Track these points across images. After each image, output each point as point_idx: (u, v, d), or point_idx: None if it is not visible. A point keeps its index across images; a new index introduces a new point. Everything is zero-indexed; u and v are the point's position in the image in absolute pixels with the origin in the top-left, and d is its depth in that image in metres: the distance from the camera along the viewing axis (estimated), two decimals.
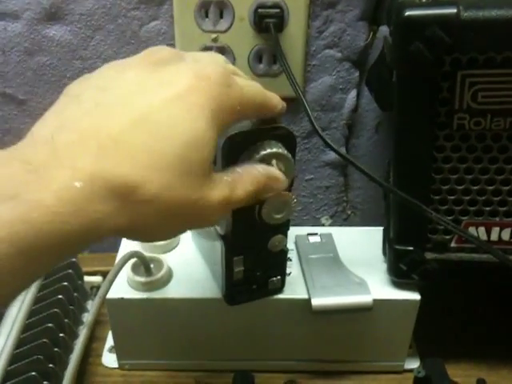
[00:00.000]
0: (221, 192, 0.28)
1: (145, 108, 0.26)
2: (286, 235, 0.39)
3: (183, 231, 0.32)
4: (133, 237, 0.30)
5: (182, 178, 0.26)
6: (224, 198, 0.28)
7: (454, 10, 0.33)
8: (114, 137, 0.25)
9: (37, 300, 0.45)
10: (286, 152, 0.33)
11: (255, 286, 0.41)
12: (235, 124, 0.32)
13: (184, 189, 0.26)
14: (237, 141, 0.32)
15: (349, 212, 0.59)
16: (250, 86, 0.31)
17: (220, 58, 0.32)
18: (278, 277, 0.42)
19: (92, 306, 0.43)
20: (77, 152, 0.24)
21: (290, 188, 0.35)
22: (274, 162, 0.32)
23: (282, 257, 0.41)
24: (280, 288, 0.43)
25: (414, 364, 0.47)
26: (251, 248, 0.39)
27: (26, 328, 0.42)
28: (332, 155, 0.55)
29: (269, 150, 0.32)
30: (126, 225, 0.25)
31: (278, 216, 0.37)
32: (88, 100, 0.27)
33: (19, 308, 0.44)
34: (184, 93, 0.27)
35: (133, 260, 0.44)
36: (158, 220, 0.26)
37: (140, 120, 0.26)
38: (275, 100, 0.32)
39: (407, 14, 0.34)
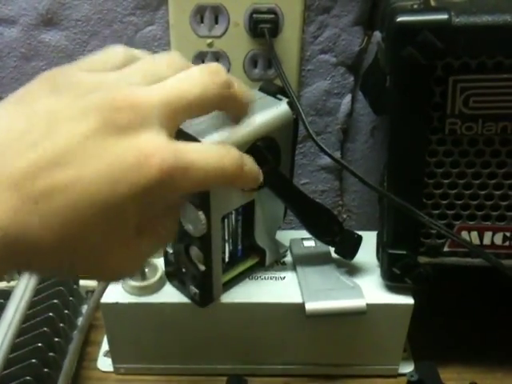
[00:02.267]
0: None
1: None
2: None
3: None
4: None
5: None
6: None
7: (446, 16, 0.33)
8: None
9: (32, 304, 0.45)
10: None
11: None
12: None
13: None
14: None
15: (344, 216, 0.59)
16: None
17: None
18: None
19: (86, 310, 0.43)
20: None
21: None
22: None
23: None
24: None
25: (408, 368, 0.47)
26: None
27: (21, 332, 0.42)
28: (327, 159, 0.55)
29: None
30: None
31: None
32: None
33: (14, 312, 0.44)
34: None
35: None
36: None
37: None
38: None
39: (399, 19, 0.34)
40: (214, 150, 0.28)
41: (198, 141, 0.36)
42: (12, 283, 0.53)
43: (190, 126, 0.37)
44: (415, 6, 0.35)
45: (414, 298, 0.43)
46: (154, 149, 0.24)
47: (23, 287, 0.46)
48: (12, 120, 0.24)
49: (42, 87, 0.26)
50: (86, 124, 0.24)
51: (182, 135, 0.36)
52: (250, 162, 0.31)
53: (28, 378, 0.39)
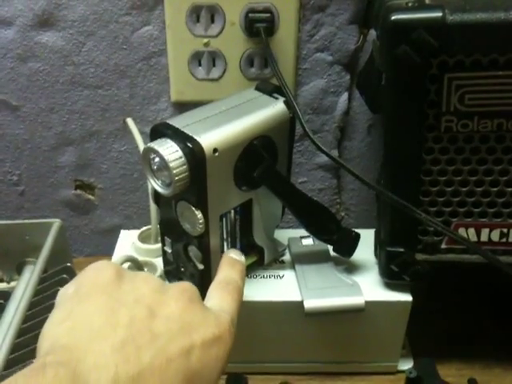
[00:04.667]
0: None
1: None
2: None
3: None
4: None
5: None
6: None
7: (440, 14, 0.33)
8: None
9: (32, 305, 0.45)
10: None
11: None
12: None
13: None
14: None
15: (342, 214, 0.59)
16: None
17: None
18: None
19: None
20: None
21: None
22: None
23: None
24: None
25: (407, 365, 0.47)
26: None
27: (21, 333, 0.42)
28: (325, 158, 0.55)
29: None
30: None
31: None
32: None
33: (14, 313, 0.44)
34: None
35: (127, 264, 0.44)
36: None
37: None
38: None
39: (394, 17, 0.34)
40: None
41: (195, 139, 0.36)
42: (12, 284, 0.53)
43: (186, 126, 0.37)
44: (409, 4, 0.35)
45: (413, 295, 0.43)
46: None
47: (23, 288, 0.47)
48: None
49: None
50: None
51: (179, 135, 0.37)
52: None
53: None
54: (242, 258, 0.38)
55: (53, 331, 0.27)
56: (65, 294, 0.30)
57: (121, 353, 0.25)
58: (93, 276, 0.30)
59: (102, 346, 0.25)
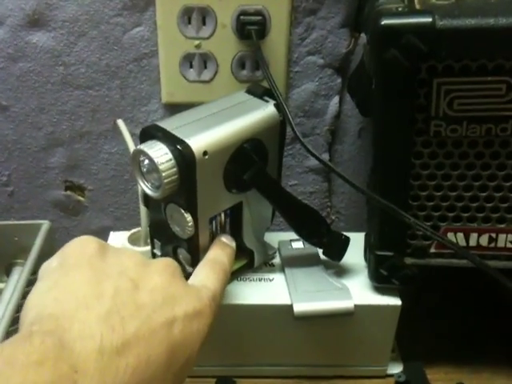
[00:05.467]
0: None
1: None
2: None
3: None
4: None
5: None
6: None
7: (430, 19, 0.33)
8: None
9: (20, 307, 0.45)
10: None
11: None
12: None
13: None
14: None
15: (333, 217, 0.59)
16: None
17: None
18: None
19: None
20: None
21: None
22: None
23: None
24: None
25: (397, 368, 0.47)
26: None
27: (9, 335, 0.42)
28: (315, 161, 0.55)
29: None
30: None
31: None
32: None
33: (2, 315, 0.43)
34: None
35: None
36: None
37: None
38: None
39: (384, 22, 0.34)
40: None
41: (184, 142, 0.36)
42: (0, 285, 0.53)
43: (176, 129, 0.37)
44: (399, 9, 0.35)
45: (402, 299, 0.43)
46: None
47: (11, 289, 0.47)
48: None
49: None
50: None
51: (169, 137, 0.37)
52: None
53: None
54: (233, 243, 0.40)
55: (38, 301, 0.27)
56: (48, 267, 0.30)
57: (106, 323, 0.25)
58: (77, 249, 0.30)
59: (87, 315, 0.26)
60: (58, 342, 0.24)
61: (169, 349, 0.27)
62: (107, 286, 0.28)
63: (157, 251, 0.43)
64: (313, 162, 0.56)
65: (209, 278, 0.35)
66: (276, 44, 0.49)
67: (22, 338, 0.24)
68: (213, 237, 0.42)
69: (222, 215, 0.42)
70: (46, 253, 0.50)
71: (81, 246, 0.31)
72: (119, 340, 0.25)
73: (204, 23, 0.48)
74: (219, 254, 0.38)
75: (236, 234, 0.44)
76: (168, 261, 0.32)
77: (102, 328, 0.25)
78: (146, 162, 0.37)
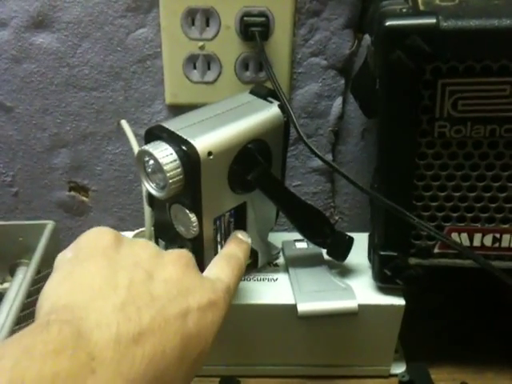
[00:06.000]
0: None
1: None
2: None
3: None
4: None
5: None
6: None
7: (434, 20, 0.34)
8: None
9: (25, 306, 0.45)
10: None
11: None
12: None
13: None
14: None
15: (336, 218, 0.60)
16: None
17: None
18: None
19: None
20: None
21: None
22: None
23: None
24: None
25: (400, 368, 0.47)
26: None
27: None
28: (319, 161, 0.55)
29: None
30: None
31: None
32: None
33: (7, 314, 0.44)
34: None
35: None
36: None
37: None
38: None
39: (388, 23, 0.34)
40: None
41: (189, 142, 0.36)
42: (5, 285, 0.53)
43: (181, 129, 0.38)
44: (404, 11, 0.35)
45: (406, 299, 0.43)
46: None
47: (16, 289, 0.47)
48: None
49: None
50: None
51: (173, 138, 0.37)
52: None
53: None
54: (249, 240, 0.40)
55: (53, 291, 0.27)
56: (63, 258, 0.30)
57: (122, 312, 0.25)
58: (92, 240, 0.30)
59: (103, 305, 0.26)
60: (76, 330, 0.24)
61: (183, 340, 0.27)
62: (122, 277, 0.28)
63: None
64: (316, 162, 0.56)
65: (223, 271, 0.34)
66: (279, 45, 0.49)
67: (39, 327, 0.24)
68: (216, 238, 0.42)
69: (227, 215, 0.42)
70: (51, 253, 0.50)
71: (95, 237, 0.31)
72: (136, 329, 0.25)
73: (208, 24, 0.48)
74: (235, 249, 0.38)
75: None
76: (182, 252, 0.32)
77: (119, 317, 0.25)
78: (151, 162, 0.37)
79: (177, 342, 0.27)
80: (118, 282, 0.27)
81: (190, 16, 0.48)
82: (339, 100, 0.53)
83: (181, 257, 0.31)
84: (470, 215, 0.40)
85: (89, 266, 0.28)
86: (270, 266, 0.47)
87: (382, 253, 0.42)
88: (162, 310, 0.27)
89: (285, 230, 0.56)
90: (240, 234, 0.40)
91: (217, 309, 0.30)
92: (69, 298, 0.26)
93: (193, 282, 0.30)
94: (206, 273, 0.34)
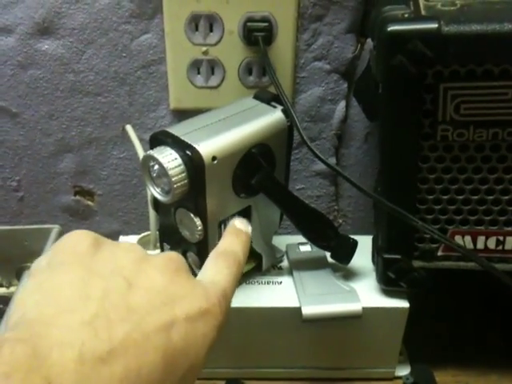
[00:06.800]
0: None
1: None
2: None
3: None
4: None
5: None
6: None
7: (436, 25, 0.34)
8: None
9: None
10: None
11: None
12: None
13: None
14: None
15: (340, 221, 0.60)
16: None
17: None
18: None
19: None
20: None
21: None
22: None
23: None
24: None
25: (404, 371, 0.47)
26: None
27: None
28: (322, 165, 0.56)
29: None
30: None
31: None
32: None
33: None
34: None
35: None
36: None
37: None
38: None
39: (390, 28, 0.34)
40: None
41: (194, 147, 0.36)
42: (11, 289, 0.54)
43: (185, 134, 0.38)
44: (406, 15, 0.35)
45: (410, 302, 0.43)
46: None
47: None
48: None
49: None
50: None
51: (178, 143, 0.37)
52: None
53: None
54: (249, 228, 0.34)
55: (21, 304, 0.24)
56: (38, 265, 0.27)
57: (89, 328, 0.22)
58: (67, 245, 0.27)
59: (68, 320, 0.23)
60: (31, 350, 0.21)
61: (166, 357, 0.24)
62: (95, 287, 0.24)
63: None
64: (320, 166, 0.56)
65: (220, 272, 0.30)
66: (283, 50, 0.49)
67: None
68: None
69: (231, 219, 0.42)
70: None
71: (72, 242, 0.27)
72: (104, 347, 0.22)
73: (211, 30, 0.49)
74: (232, 243, 0.33)
75: None
76: (171, 254, 0.29)
77: (84, 334, 0.22)
78: (156, 167, 0.37)
79: (157, 359, 0.23)
80: (90, 293, 0.24)
81: (194, 21, 0.48)
82: (342, 104, 0.53)
83: (170, 261, 0.28)
84: (473, 218, 0.40)
85: (60, 276, 0.25)
86: (274, 269, 0.47)
87: (385, 255, 0.42)
88: (140, 324, 0.24)
89: (289, 233, 0.56)
90: (238, 222, 0.34)
91: (210, 318, 0.27)
92: (35, 311, 0.23)
93: (181, 288, 0.27)
94: (200, 275, 0.30)
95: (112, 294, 0.24)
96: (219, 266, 0.31)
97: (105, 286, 0.25)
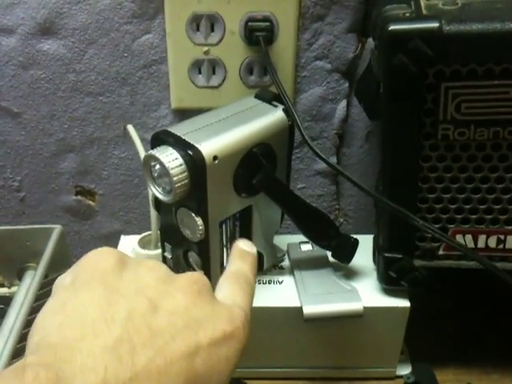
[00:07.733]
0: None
1: None
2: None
3: None
4: None
5: None
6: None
7: (437, 24, 0.34)
8: None
9: (33, 310, 0.45)
10: None
11: None
12: None
13: None
14: None
15: (341, 220, 0.60)
16: None
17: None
18: None
19: None
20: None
21: None
22: None
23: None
24: None
25: (405, 370, 0.47)
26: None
27: (22, 338, 0.43)
28: (323, 164, 0.56)
29: None
30: None
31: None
32: None
33: (15, 318, 0.44)
34: None
35: None
36: None
37: None
38: None
39: (391, 28, 0.34)
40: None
41: (195, 147, 0.37)
42: (13, 289, 0.54)
43: (187, 134, 0.38)
44: (407, 15, 0.35)
45: (411, 301, 0.43)
46: None
47: (24, 293, 0.47)
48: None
49: None
50: None
51: (179, 142, 0.37)
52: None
53: None
54: (254, 249, 0.34)
55: (43, 325, 0.24)
56: (61, 283, 0.27)
57: (113, 353, 0.22)
58: (91, 263, 0.27)
59: (92, 344, 0.22)
60: (55, 376, 0.21)
61: (188, 382, 0.23)
62: (119, 308, 0.24)
63: (167, 254, 0.44)
64: (321, 165, 0.56)
65: (237, 293, 0.30)
66: (284, 49, 0.49)
67: (14, 371, 0.21)
68: (223, 240, 0.42)
69: (232, 219, 0.42)
70: (58, 257, 0.51)
71: (96, 261, 0.27)
72: (126, 373, 0.22)
73: (212, 30, 0.49)
74: (241, 265, 0.32)
75: (245, 237, 0.44)
76: (196, 275, 0.28)
77: (108, 359, 0.22)
78: (158, 166, 0.37)
79: None
80: (114, 315, 0.24)
81: (195, 21, 0.48)
82: (343, 103, 0.53)
83: (193, 282, 0.27)
84: (474, 217, 0.40)
85: (84, 296, 0.25)
86: (276, 268, 0.47)
87: (386, 255, 0.42)
88: (163, 349, 0.23)
89: (290, 233, 0.56)
90: (243, 244, 0.34)
91: (234, 342, 0.26)
92: (58, 334, 0.23)
93: (205, 311, 0.26)
94: (217, 294, 0.29)
95: (136, 316, 0.24)
96: (234, 288, 0.30)
97: (129, 307, 0.24)
